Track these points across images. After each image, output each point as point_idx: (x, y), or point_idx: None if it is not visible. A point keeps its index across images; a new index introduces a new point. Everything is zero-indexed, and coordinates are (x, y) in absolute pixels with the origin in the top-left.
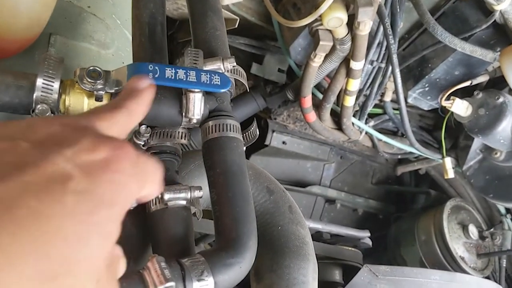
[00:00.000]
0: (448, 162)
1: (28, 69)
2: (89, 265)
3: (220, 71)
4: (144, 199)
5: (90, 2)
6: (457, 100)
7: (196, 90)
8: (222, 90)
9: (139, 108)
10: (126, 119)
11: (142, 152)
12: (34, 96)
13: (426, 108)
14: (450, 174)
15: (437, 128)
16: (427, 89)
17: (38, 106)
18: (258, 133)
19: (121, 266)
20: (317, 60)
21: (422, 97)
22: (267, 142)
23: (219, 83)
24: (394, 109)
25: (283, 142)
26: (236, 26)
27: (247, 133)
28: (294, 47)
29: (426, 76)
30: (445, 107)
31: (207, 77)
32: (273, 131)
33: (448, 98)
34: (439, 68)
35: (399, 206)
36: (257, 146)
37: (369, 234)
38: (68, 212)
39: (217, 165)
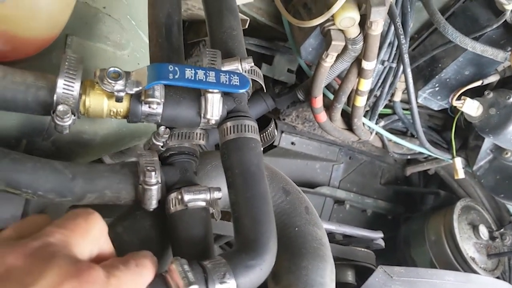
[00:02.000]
0: (458, 162)
1: (45, 70)
2: None
3: (238, 72)
4: None
5: (106, 2)
6: (468, 99)
7: (215, 90)
8: (241, 91)
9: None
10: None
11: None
12: (54, 97)
13: (436, 108)
14: (461, 174)
15: (446, 128)
16: (437, 89)
17: (59, 106)
18: (276, 133)
19: None
20: (329, 60)
21: (432, 97)
22: (276, 143)
23: (238, 83)
24: (403, 109)
25: (292, 143)
26: (247, 26)
27: (265, 133)
28: (305, 47)
29: (436, 76)
30: (455, 107)
31: (226, 77)
32: (282, 132)
33: (458, 98)
34: (449, 68)
35: (408, 207)
36: (266, 146)
37: (382, 235)
38: None
39: (235, 166)
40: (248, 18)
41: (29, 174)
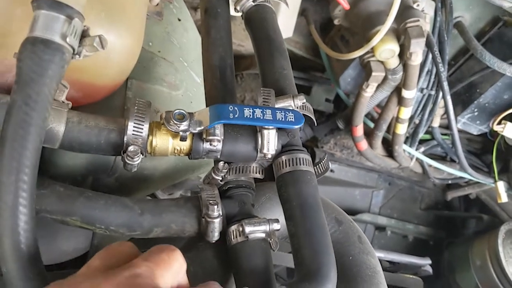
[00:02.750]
0: (501, 186)
1: (108, 110)
2: None
3: (291, 108)
4: None
5: (160, 47)
6: (509, 124)
7: (271, 127)
8: (296, 127)
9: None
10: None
11: None
12: (125, 139)
13: (475, 133)
14: (504, 198)
15: (486, 151)
16: (476, 114)
17: (130, 147)
18: (329, 165)
19: None
20: (369, 90)
21: (471, 122)
22: None
23: (293, 120)
24: (442, 134)
25: (331, 170)
26: None
27: (318, 165)
28: (344, 78)
29: (475, 101)
30: (496, 131)
31: (282, 114)
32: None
33: (499, 123)
34: (488, 93)
35: (449, 232)
36: None
37: (430, 262)
38: None
39: (293, 198)
40: None
41: (102, 211)
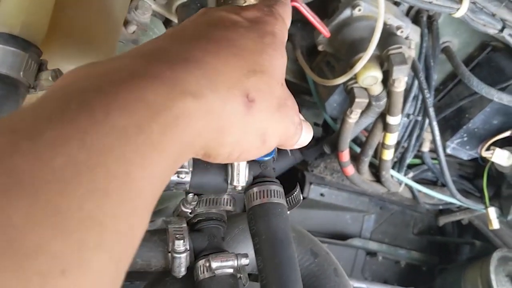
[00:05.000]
0: (492, 212)
1: None
2: (274, 69)
3: None
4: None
5: None
6: (497, 150)
7: None
8: (267, 158)
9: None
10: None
11: None
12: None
13: (465, 158)
14: (495, 224)
15: (478, 176)
16: (465, 139)
17: None
18: (301, 198)
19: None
20: (354, 116)
21: (461, 147)
22: (305, 195)
23: None
24: (432, 158)
25: (321, 194)
26: None
27: (290, 197)
28: (330, 103)
29: (464, 126)
30: (485, 157)
31: None
32: (311, 183)
33: (488, 148)
34: (477, 118)
35: (442, 257)
36: None
37: None
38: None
39: (262, 232)
40: None
41: None
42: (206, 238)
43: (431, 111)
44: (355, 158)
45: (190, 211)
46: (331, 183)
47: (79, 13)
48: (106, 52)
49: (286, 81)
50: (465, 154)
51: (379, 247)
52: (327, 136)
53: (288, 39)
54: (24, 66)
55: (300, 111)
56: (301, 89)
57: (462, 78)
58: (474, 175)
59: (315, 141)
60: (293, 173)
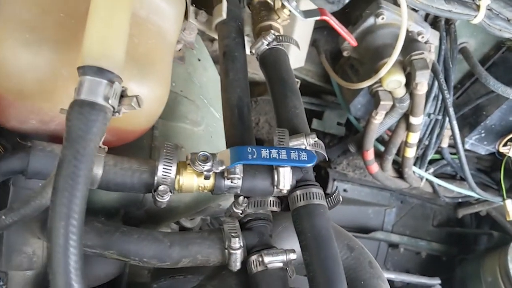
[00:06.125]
0: (509, 204)
1: (138, 149)
2: None
3: (303, 146)
4: None
5: (182, 86)
6: None
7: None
8: (309, 165)
9: None
10: None
11: None
12: (155, 179)
13: (483, 153)
14: None
15: (495, 169)
16: (483, 135)
17: (160, 187)
18: (341, 198)
19: None
20: (378, 117)
21: (479, 142)
22: (328, 191)
23: (306, 159)
24: (451, 153)
25: (344, 190)
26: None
27: (330, 198)
28: (354, 105)
29: (482, 123)
30: (502, 152)
31: (295, 154)
32: (334, 180)
33: (505, 144)
34: (494, 115)
35: (461, 248)
36: None
37: (439, 281)
38: None
39: (307, 231)
40: (299, 80)
41: (135, 245)
42: (256, 236)
43: (451, 110)
44: (379, 156)
45: (241, 212)
46: (353, 179)
47: (141, 40)
48: (165, 73)
49: (311, 83)
50: (483, 149)
51: (401, 239)
52: (349, 135)
53: (312, 44)
54: (109, 94)
55: (324, 111)
56: (325, 91)
57: (479, 78)
58: (492, 168)
59: (338, 139)
60: (317, 171)
